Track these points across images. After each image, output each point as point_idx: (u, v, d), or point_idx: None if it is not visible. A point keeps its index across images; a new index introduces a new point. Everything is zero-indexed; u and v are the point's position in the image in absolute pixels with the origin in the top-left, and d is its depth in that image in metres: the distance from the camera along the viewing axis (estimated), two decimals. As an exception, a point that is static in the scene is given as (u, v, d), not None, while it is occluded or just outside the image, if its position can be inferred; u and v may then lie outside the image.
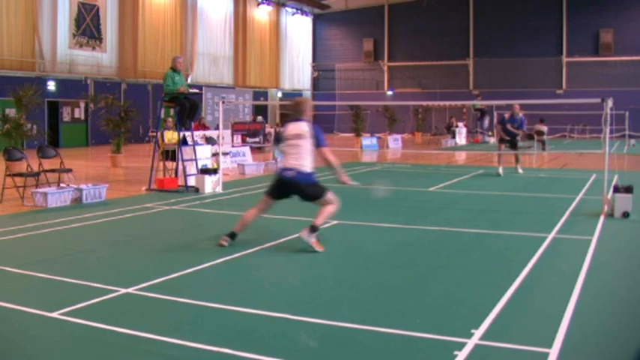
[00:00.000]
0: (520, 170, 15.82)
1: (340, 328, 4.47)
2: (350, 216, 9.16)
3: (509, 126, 15.77)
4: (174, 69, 12.48)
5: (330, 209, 7.00)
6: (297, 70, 46.24)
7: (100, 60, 29.30)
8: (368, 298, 5.26)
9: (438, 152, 24.65)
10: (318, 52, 47.41)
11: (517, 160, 16.08)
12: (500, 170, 15.29)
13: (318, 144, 6.99)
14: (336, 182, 7.44)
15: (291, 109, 7.28)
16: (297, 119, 7.11)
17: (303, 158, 6.90)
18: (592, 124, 33.88)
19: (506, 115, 16.10)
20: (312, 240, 6.83)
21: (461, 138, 32.32)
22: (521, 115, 16.08)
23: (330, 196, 7.03)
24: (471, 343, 4.13)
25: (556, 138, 34.93)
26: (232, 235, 7.11)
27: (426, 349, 4.14)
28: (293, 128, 7.05)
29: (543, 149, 24.30)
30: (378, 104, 34.80)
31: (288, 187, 7.00)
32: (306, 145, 6.93)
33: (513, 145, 15.89)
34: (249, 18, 39.75)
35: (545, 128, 26.78)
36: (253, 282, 5.77)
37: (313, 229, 6.86)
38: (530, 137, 24.07)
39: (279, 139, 7.25)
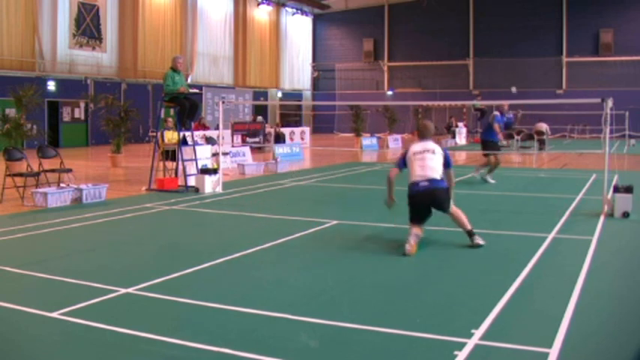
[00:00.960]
0: (490, 180, 13.62)
1: (340, 328, 4.47)
2: (350, 216, 9.16)
3: (496, 126, 13.87)
4: (174, 69, 12.48)
5: (461, 213, 7.30)
6: (297, 70, 46.23)
7: (100, 60, 29.30)
8: (368, 298, 5.26)
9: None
10: (318, 52, 47.40)
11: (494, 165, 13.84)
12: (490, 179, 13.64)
13: (448, 165, 7.41)
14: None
15: (420, 130, 7.71)
16: (425, 139, 7.52)
17: (433, 170, 7.22)
18: (592, 124, 33.88)
19: (497, 113, 14.18)
20: (478, 241, 7.13)
21: (461, 138, 32.33)
22: (510, 114, 15.10)
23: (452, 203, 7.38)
24: (471, 343, 4.13)
25: (556, 138, 34.93)
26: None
27: (426, 349, 4.14)
28: (422, 146, 7.42)
29: (542, 149, 24.03)
30: (378, 104, 34.77)
31: (426, 198, 7.18)
32: (439, 159, 7.29)
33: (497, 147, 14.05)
34: (249, 18, 39.75)
35: (544, 127, 26.67)
36: (253, 282, 5.77)
37: (471, 233, 7.19)
38: (530, 137, 24.05)
39: (403, 160, 7.52)
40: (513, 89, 29.93)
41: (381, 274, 6.08)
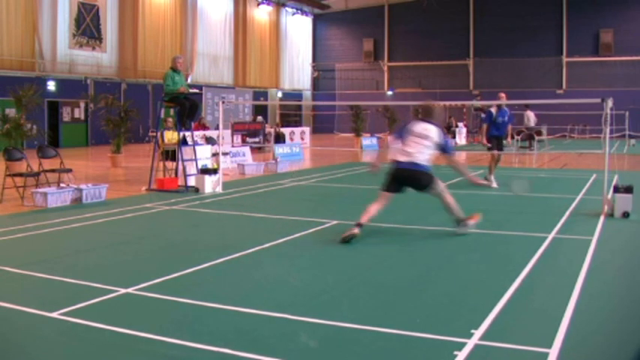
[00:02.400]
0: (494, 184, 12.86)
1: (340, 328, 4.47)
2: (350, 216, 9.15)
3: (484, 127, 13.27)
4: (174, 69, 12.48)
5: (450, 199, 7.64)
6: (297, 70, 46.23)
7: (100, 60, 29.30)
8: (368, 298, 5.26)
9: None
10: (318, 52, 47.40)
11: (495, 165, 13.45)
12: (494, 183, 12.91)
13: (445, 151, 7.67)
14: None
15: (423, 110, 7.90)
16: (426, 120, 7.69)
17: (421, 154, 7.47)
18: (592, 124, 33.88)
19: (494, 110, 13.24)
20: (469, 226, 7.67)
21: (461, 138, 32.32)
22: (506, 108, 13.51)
23: (440, 185, 7.67)
24: (470, 343, 4.13)
25: (556, 138, 34.93)
26: (360, 225, 7.35)
27: (426, 349, 4.14)
28: (421, 128, 7.59)
29: (530, 146, 23.58)
30: (378, 104, 34.76)
31: (405, 176, 7.52)
32: (429, 146, 7.52)
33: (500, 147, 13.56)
34: (249, 18, 39.74)
35: (531, 115, 25.97)
36: (253, 282, 5.77)
37: (460, 221, 7.65)
38: (530, 137, 24.02)
39: (402, 132, 7.69)
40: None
41: (381, 274, 6.08)
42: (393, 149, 7.70)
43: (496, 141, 13.30)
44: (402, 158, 7.53)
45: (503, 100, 13.58)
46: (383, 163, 8.00)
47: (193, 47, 34.76)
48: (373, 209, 7.50)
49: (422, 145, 7.52)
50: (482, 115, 13.64)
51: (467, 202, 11.23)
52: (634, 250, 7.44)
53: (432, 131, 7.59)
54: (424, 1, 40.46)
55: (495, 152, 13.28)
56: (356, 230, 7.25)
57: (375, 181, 13.99)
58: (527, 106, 26.11)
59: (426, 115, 7.79)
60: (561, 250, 7.16)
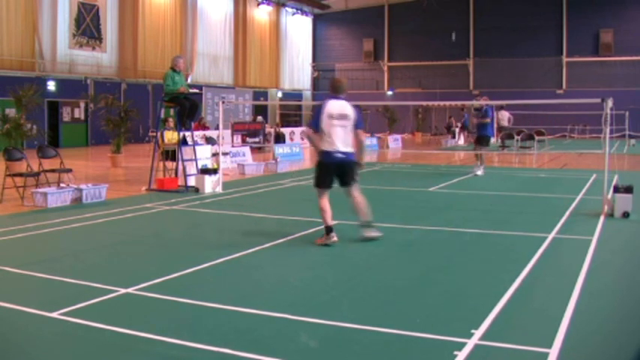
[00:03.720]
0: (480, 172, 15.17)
1: (340, 328, 4.47)
2: (350, 216, 9.15)
3: (475, 120, 15.62)
4: (174, 69, 12.48)
5: (361, 200, 7.39)
6: (297, 70, 46.22)
7: (100, 60, 29.30)
8: (368, 298, 5.26)
9: (438, 152, 24.65)
10: (318, 52, 47.40)
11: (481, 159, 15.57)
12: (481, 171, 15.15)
13: (358, 126, 7.24)
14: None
15: (332, 86, 7.45)
16: (338, 97, 7.31)
17: (349, 139, 7.20)
18: (592, 124, 33.87)
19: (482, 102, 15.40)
20: (373, 233, 7.30)
21: (460, 138, 32.28)
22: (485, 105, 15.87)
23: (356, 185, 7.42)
24: (470, 343, 4.13)
25: (556, 138, 34.94)
26: (330, 229, 7.25)
27: (426, 349, 4.14)
28: (338, 107, 7.20)
29: (503, 146, 23.73)
30: (378, 104, 34.78)
31: (340, 169, 7.25)
32: (350, 126, 7.21)
33: (486, 143, 15.79)
34: (249, 18, 39.74)
35: (506, 117, 25.84)
36: (253, 282, 5.78)
37: (366, 225, 7.30)
38: (530, 137, 24.01)
39: (318, 116, 7.21)
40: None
41: (381, 274, 6.08)
42: (316, 138, 7.25)
43: (481, 138, 15.64)
44: (332, 148, 7.12)
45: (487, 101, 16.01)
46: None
47: (193, 47, 34.76)
48: (327, 207, 7.28)
49: (346, 127, 7.12)
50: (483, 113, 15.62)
51: (467, 202, 11.26)
52: (634, 250, 7.44)
53: (347, 108, 7.18)
54: (424, 1, 40.44)
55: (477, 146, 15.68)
56: (335, 237, 7.17)
57: (375, 180, 14.02)
58: (502, 107, 26.17)
59: (338, 92, 7.31)
60: (561, 250, 7.16)
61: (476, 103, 18.15)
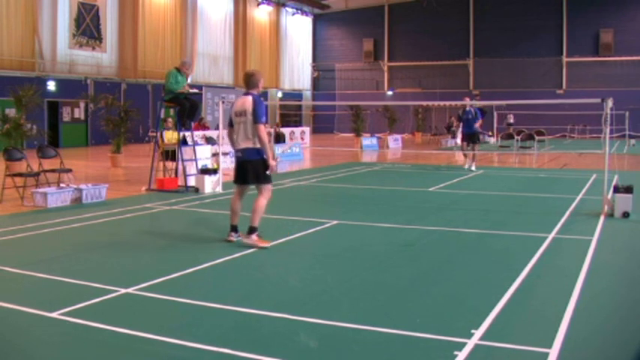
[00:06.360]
0: (473, 167, 16.67)
1: (340, 328, 4.47)
2: (350, 216, 9.16)
3: (455, 123, 17.44)
4: (179, 70, 12.47)
5: (262, 204, 7.07)
6: (297, 70, 46.23)
7: (100, 60, 29.30)
8: (368, 298, 5.26)
9: (438, 152, 24.65)
10: (318, 52, 47.41)
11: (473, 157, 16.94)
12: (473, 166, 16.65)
13: (255, 120, 6.90)
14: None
15: (243, 81, 7.26)
16: (247, 93, 7.12)
17: (246, 137, 6.96)
18: (592, 124, 33.90)
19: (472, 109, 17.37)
20: (254, 239, 6.95)
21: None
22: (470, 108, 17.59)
23: (268, 186, 7.13)
24: (471, 343, 4.13)
25: (556, 138, 34.94)
26: (235, 229, 7.24)
27: (426, 349, 4.14)
28: (239, 104, 7.06)
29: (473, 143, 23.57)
30: (378, 104, 34.77)
31: (241, 167, 7.09)
32: (249, 122, 6.94)
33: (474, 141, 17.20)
34: (249, 18, 39.75)
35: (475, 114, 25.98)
36: (253, 282, 5.77)
37: (251, 230, 6.99)
38: (530, 137, 24.01)
39: (230, 118, 7.14)
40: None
41: (381, 274, 6.08)
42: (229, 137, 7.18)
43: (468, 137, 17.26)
44: (235, 146, 7.07)
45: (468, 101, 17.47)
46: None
47: (193, 47, 34.76)
48: (234, 207, 7.24)
49: (246, 124, 6.92)
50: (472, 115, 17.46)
51: (467, 202, 11.26)
52: (634, 250, 7.44)
53: (247, 103, 6.94)
54: (424, 1, 40.45)
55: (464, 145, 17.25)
56: (233, 237, 7.17)
57: (375, 180, 14.04)
58: (484, 111, 26.40)
59: (248, 87, 7.11)
60: (561, 250, 7.16)
61: (476, 103, 19.07)
